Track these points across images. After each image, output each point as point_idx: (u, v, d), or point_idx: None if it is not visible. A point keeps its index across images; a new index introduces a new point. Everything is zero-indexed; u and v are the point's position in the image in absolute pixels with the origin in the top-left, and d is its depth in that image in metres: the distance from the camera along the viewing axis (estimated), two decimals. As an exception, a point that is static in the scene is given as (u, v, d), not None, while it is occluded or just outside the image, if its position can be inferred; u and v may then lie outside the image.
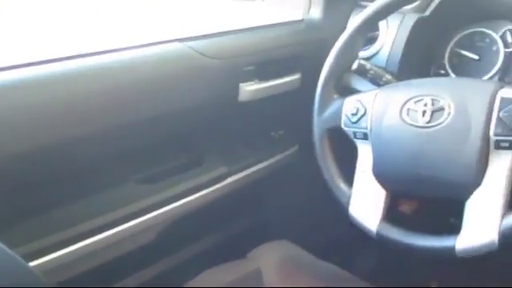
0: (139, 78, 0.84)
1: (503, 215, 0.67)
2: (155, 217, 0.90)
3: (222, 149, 1.03)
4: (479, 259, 0.70)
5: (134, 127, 0.84)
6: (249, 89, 0.99)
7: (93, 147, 0.79)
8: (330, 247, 1.13)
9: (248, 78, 0.99)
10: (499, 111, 0.69)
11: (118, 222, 0.85)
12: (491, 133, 0.69)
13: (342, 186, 0.84)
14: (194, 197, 0.97)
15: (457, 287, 1.20)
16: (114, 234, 0.84)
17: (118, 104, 0.81)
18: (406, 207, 1.22)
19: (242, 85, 0.98)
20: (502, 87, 0.71)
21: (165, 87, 0.86)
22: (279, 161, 1.13)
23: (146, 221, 0.89)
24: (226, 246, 1.10)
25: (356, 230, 0.81)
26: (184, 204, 0.95)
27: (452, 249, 0.71)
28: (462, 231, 0.71)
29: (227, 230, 1.14)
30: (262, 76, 1.01)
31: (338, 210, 0.84)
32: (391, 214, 0.81)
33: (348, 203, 0.82)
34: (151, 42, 0.88)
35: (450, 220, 0.94)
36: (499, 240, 0.67)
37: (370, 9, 0.83)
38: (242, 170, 1.06)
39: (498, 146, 0.69)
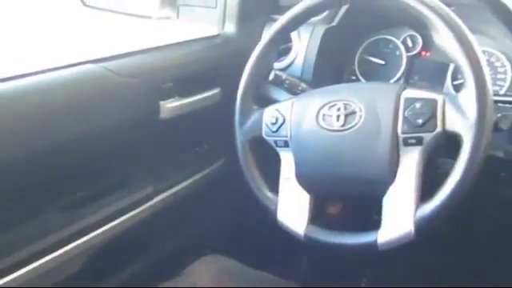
0: (52, 102, 0.81)
1: (416, 207, 0.72)
2: (82, 244, 0.87)
3: (147, 168, 1.01)
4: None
5: (51, 153, 0.81)
6: (169, 106, 0.99)
7: (7, 175, 0.76)
8: (264, 256, 1.15)
9: (168, 94, 0.99)
10: (404, 111, 0.74)
11: (41, 252, 0.81)
12: (399, 131, 0.74)
13: (269, 194, 0.86)
14: (122, 219, 0.95)
15: (386, 286, 1.26)
16: (36, 267, 0.80)
17: (31, 130, 0.78)
18: (332, 209, 1.27)
19: (162, 102, 0.97)
20: (405, 88, 0.77)
21: (81, 110, 0.84)
22: (206, 175, 1.14)
23: (72, 249, 0.86)
24: (160, 265, 1.08)
25: (287, 236, 0.84)
26: (112, 227, 0.93)
27: (374, 243, 0.75)
28: (382, 225, 0.75)
29: (160, 250, 1.13)
30: (182, 92, 1.01)
31: (269, 218, 0.86)
32: (320, 218, 0.85)
33: (276, 210, 0.84)
34: (63, 64, 0.86)
35: (374, 217, 0.99)
36: (415, 230, 0.72)
37: (280, 22, 0.87)
38: (169, 188, 1.05)
39: (407, 143, 0.74)
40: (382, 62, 1.07)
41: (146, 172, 1.01)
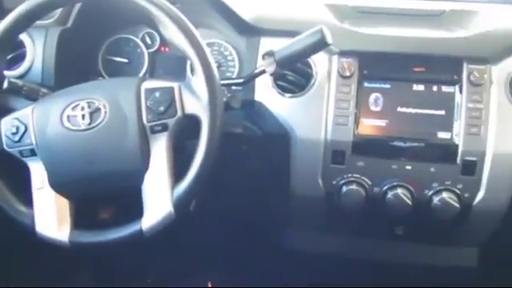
0: None
1: (172, 188, 0.77)
2: None
3: None
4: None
5: None
6: None
7: None
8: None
9: None
10: (146, 101, 0.78)
11: None
12: (144, 121, 0.78)
13: (22, 208, 0.81)
14: None
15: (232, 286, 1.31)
16: None
17: None
18: (104, 214, 1.25)
19: None
20: (144, 80, 0.81)
21: None
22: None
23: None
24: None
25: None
26: None
27: (140, 231, 0.77)
28: (144, 213, 0.78)
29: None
30: None
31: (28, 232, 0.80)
32: (93, 225, 0.83)
33: (33, 224, 0.80)
34: None
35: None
36: (174, 210, 0.77)
37: (1, 26, 0.81)
38: None
39: (153, 130, 0.78)
40: (126, 61, 1.10)
41: None
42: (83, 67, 1.08)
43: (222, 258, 1.40)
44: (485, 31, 0.94)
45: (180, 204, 0.77)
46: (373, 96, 0.94)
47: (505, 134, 0.90)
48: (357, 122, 0.93)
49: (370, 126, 0.94)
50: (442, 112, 0.92)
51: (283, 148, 0.97)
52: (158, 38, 1.10)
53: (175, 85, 0.79)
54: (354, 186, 0.94)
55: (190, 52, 0.78)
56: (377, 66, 0.94)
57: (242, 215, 1.28)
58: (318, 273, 1.23)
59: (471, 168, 0.91)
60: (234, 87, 1.00)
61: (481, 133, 0.90)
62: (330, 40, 0.83)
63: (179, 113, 0.78)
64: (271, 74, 0.87)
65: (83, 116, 0.78)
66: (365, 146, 0.93)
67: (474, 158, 0.90)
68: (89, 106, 0.79)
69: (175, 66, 1.10)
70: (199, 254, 1.39)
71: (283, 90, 0.97)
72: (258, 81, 0.96)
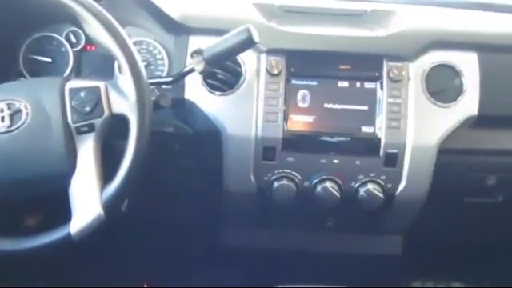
0: None
1: (101, 190, 0.76)
2: None
3: None
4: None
5: None
6: None
7: None
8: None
9: None
10: (71, 101, 0.76)
11: None
12: (69, 121, 0.76)
13: None
14: None
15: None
16: None
17: None
18: (30, 221, 1.20)
19: None
20: (68, 80, 0.79)
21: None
22: None
23: None
24: None
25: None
26: None
27: (68, 235, 0.75)
28: (73, 216, 0.76)
29: None
30: None
31: None
32: (19, 233, 0.79)
33: None
34: None
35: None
36: (104, 211, 0.76)
37: None
38: None
39: (79, 131, 0.76)
40: (49, 60, 1.05)
41: None
42: (2, 67, 1.03)
43: (158, 258, 1.39)
44: (402, 30, 0.99)
45: (110, 206, 0.76)
46: (300, 93, 0.96)
47: (423, 127, 0.96)
48: (286, 119, 0.96)
49: (298, 122, 0.96)
50: (365, 107, 0.96)
51: (215, 146, 0.98)
52: (83, 37, 1.07)
53: (101, 84, 0.77)
54: (284, 181, 0.96)
55: (116, 50, 0.77)
56: (304, 64, 0.97)
57: (177, 215, 1.27)
58: (255, 268, 1.25)
59: (393, 160, 0.96)
60: (163, 86, 0.99)
61: (401, 126, 0.95)
62: (256, 38, 0.84)
63: (106, 113, 0.76)
64: (200, 73, 0.87)
65: (3, 118, 0.75)
66: (294, 142, 0.96)
67: (395, 151, 0.95)
68: (9, 108, 0.75)
69: (102, 65, 1.07)
70: (135, 255, 1.37)
71: (213, 88, 0.97)
72: (188, 79, 0.96)
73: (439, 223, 1.16)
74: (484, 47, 1.00)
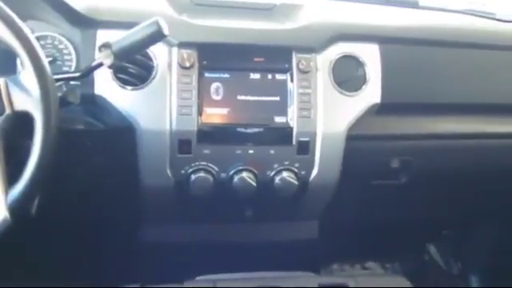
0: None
1: (5, 192, 0.72)
2: None
3: None
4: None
5: None
6: None
7: None
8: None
9: None
10: None
11: None
12: None
13: None
14: None
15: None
16: None
17: None
18: None
19: None
20: None
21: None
22: None
23: None
24: None
25: None
26: None
27: None
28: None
29: None
30: None
31: None
32: None
33: None
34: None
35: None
36: (10, 215, 0.72)
37: None
38: None
39: None
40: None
41: None
42: None
43: (79, 258, 1.34)
44: (309, 24, 1.03)
45: (16, 208, 0.73)
46: (214, 85, 0.97)
47: (331, 116, 1.01)
48: (200, 112, 0.96)
49: (213, 114, 0.97)
50: (277, 98, 0.99)
51: (129, 141, 0.96)
52: None
53: (1, 80, 0.73)
54: (201, 174, 0.97)
55: (16, 45, 0.73)
56: (216, 57, 0.98)
57: (96, 214, 1.24)
58: (175, 262, 1.25)
59: (305, 148, 1.00)
60: (72, 82, 0.96)
61: (311, 115, 0.99)
62: (166, 31, 0.84)
63: (8, 110, 0.73)
64: (109, 67, 0.85)
65: None
66: (209, 134, 0.97)
67: (307, 139, 0.99)
68: None
69: (4, 61, 1.01)
70: (54, 255, 1.31)
71: (124, 82, 0.95)
72: (98, 74, 0.94)
73: (351, 206, 1.23)
74: (385, 39, 1.07)
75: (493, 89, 1.14)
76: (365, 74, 1.04)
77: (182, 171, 0.97)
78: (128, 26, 0.88)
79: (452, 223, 1.58)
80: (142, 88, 0.95)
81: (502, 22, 1.36)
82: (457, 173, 1.17)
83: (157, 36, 0.84)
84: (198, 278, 0.88)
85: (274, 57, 1.00)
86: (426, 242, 1.64)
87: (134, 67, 0.96)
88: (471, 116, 1.14)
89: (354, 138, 1.03)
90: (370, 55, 1.05)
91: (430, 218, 1.43)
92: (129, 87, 0.95)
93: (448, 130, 1.13)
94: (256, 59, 1.00)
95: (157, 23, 0.83)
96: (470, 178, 1.20)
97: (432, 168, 1.14)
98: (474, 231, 1.59)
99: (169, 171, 0.98)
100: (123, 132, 0.95)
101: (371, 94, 1.04)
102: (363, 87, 1.04)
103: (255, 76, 0.99)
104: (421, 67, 1.10)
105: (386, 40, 1.07)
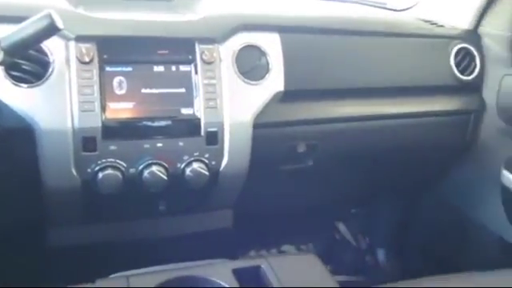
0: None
1: None
2: None
3: None
4: None
5: None
6: None
7: None
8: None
9: None
10: None
11: None
12: None
13: None
14: None
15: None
16: None
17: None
18: None
19: None
20: None
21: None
22: None
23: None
24: None
25: None
26: None
27: None
28: None
29: None
30: None
31: None
32: None
33: None
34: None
35: None
36: None
37: None
38: None
39: None
40: None
41: None
42: None
43: None
44: (211, 15, 1.04)
45: None
46: (116, 79, 0.95)
47: (237, 106, 1.03)
48: (103, 107, 0.93)
49: (117, 109, 0.95)
50: (183, 90, 0.99)
51: (28, 143, 0.91)
52: None
53: None
54: (109, 171, 0.95)
55: None
56: (116, 50, 0.96)
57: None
58: (88, 263, 1.21)
59: (214, 138, 1.01)
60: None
61: (217, 106, 1.00)
62: (60, 25, 0.80)
63: None
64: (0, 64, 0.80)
65: None
66: (115, 130, 0.95)
67: (215, 129, 1.00)
68: None
69: None
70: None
71: (19, 80, 0.90)
72: (-13, 72, 0.88)
73: (263, 192, 1.26)
74: (284, 28, 1.11)
75: (386, 73, 1.23)
76: (267, 62, 1.07)
77: (89, 170, 0.94)
78: (19, 20, 0.83)
79: (359, 201, 1.68)
80: (38, 85, 0.91)
81: (392, 11, 1.47)
82: (359, 153, 1.25)
83: (50, 29, 0.80)
84: (111, 276, 0.86)
85: (177, 48, 1.00)
86: (336, 221, 1.73)
87: (28, 63, 0.91)
88: (368, 99, 1.22)
89: (261, 125, 1.06)
90: (272, 44, 1.08)
91: (339, 198, 1.51)
92: (24, 85, 0.90)
93: (348, 113, 1.19)
94: (159, 51, 0.99)
95: (49, 16, 0.79)
96: (372, 157, 1.28)
97: (336, 150, 1.21)
98: (379, 208, 1.70)
99: (74, 171, 0.94)
100: (21, 133, 0.90)
101: (275, 82, 1.07)
102: (266, 76, 1.07)
103: (159, 68, 0.98)
104: (320, 55, 1.15)
105: (286, 29, 1.11)
